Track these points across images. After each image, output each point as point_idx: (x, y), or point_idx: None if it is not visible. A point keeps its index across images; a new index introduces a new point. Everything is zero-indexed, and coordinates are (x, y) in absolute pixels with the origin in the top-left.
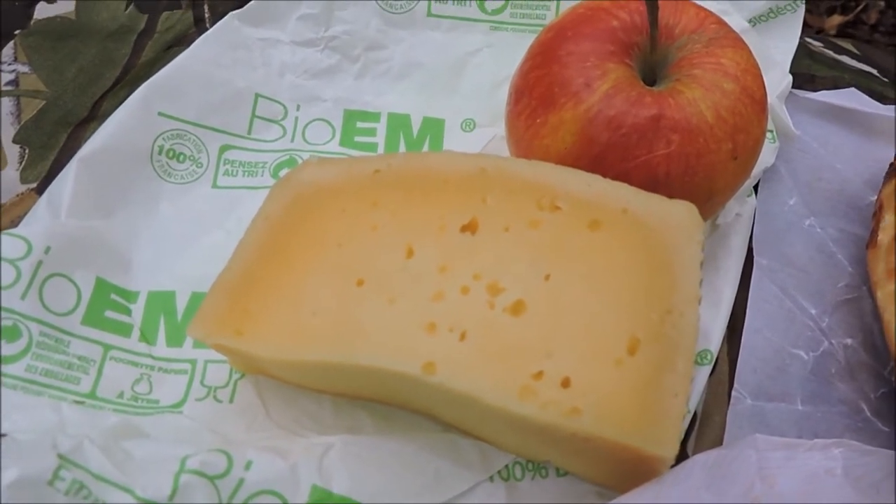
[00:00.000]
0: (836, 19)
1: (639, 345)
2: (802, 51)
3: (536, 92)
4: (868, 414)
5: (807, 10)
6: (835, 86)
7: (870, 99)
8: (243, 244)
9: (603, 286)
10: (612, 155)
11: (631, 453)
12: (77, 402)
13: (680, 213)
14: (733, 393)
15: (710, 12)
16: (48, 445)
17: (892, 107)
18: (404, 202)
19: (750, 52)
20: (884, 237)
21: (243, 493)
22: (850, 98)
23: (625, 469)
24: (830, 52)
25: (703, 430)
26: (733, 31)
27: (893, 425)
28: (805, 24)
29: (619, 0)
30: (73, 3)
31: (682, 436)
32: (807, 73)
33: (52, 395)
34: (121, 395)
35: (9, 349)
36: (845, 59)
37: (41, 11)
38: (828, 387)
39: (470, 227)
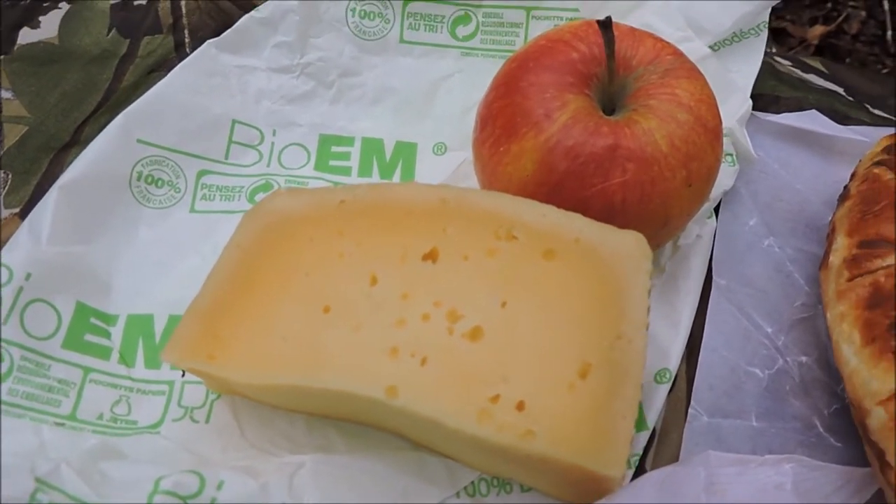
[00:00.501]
0: (819, 29)
1: (590, 369)
2: (769, 71)
3: (500, 121)
4: (821, 430)
5: (790, 21)
6: (799, 107)
7: (830, 121)
8: (215, 271)
9: (556, 313)
10: (570, 183)
11: (583, 473)
12: (58, 424)
13: (629, 244)
14: (690, 410)
15: (667, 43)
16: (27, 469)
17: (852, 128)
18: (369, 231)
19: (705, 81)
20: (835, 259)
21: None
22: (811, 120)
23: (581, 486)
24: (798, 71)
25: (661, 447)
26: (689, 62)
27: (845, 440)
28: (788, 35)
29: (579, 32)
30: (56, 27)
31: (635, 454)
32: (771, 95)
33: (33, 417)
34: (100, 417)
35: None
36: (812, 77)
37: (25, 37)
38: (782, 403)
39: (431, 256)
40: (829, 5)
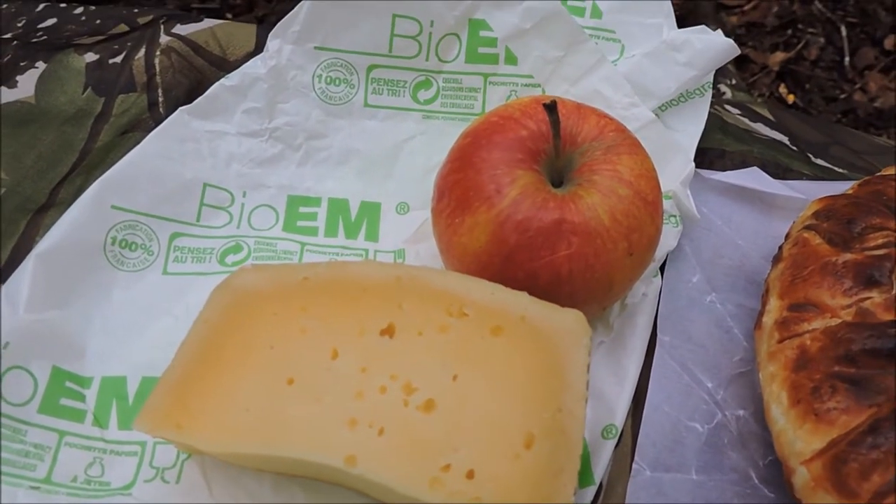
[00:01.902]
0: (779, 56)
1: (534, 440)
2: (716, 124)
3: (455, 194)
4: (756, 481)
5: (751, 47)
6: (743, 161)
7: (770, 178)
8: (185, 345)
9: (503, 386)
10: (520, 255)
11: None
12: (33, 488)
13: (570, 321)
14: (634, 465)
15: (610, 119)
16: None
17: (791, 183)
18: (329, 307)
19: (646, 155)
20: (767, 320)
21: None
22: (753, 177)
23: None
24: (746, 121)
25: (606, 500)
26: (630, 137)
27: (777, 491)
28: (749, 61)
29: (527, 110)
30: (33, 87)
31: None
32: (718, 149)
33: (9, 481)
34: (74, 480)
35: None
36: (759, 126)
37: (2, 96)
38: (720, 456)
39: (388, 331)
40: (790, 32)
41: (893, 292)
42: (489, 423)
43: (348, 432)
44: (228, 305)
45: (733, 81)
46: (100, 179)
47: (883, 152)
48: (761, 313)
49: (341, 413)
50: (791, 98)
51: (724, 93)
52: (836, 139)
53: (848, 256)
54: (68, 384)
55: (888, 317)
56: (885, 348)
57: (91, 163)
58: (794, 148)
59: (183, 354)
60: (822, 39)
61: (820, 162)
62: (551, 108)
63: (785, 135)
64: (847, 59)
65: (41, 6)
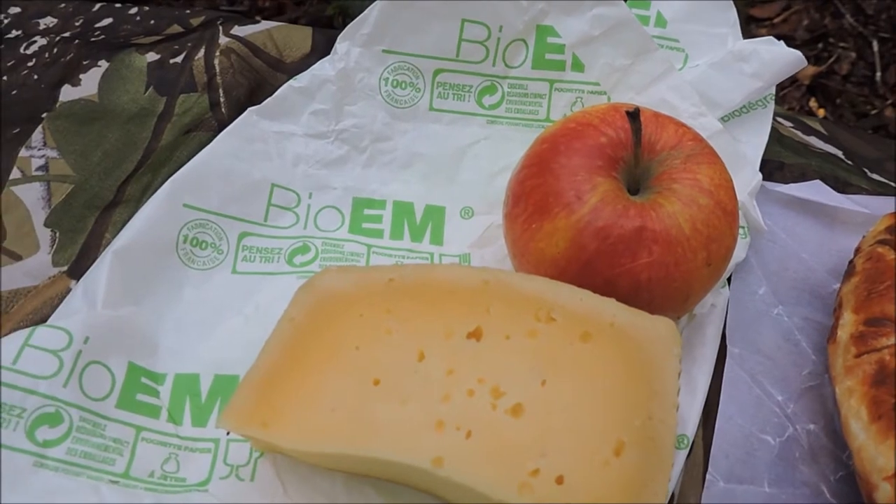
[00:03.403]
0: (810, 70)
1: (624, 447)
2: (773, 136)
3: (532, 199)
4: (828, 496)
5: None
6: (802, 173)
7: (832, 191)
8: (269, 344)
9: (592, 393)
10: (600, 262)
11: None
12: (112, 482)
13: (661, 329)
14: (707, 476)
15: (689, 128)
16: None
17: (853, 197)
18: (415, 310)
19: (723, 166)
20: (843, 334)
21: None
22: (815, 190)
23: None
24: (800, 133)
25: None
26: (708, 147)
27: None
28: None
29: (606, 117)
30: (97, 85)
31: None
32: (776, 161)
33: (91, 475)
34: (151, 475)
35: (51, 434)
36: (813, 139)
37: (66, 94)
38: (792, 470)
39: (475, 335)
40: (821, 46)
41: None
42: (578, 429)
43: (435, 434)
44: (313, 306)
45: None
46: (172, 178)
47: None
48: (835, 327)
49: (428, 415)
50: (821, 112)
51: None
52: (889, 155)
53: None
54: (143, 380)
55: None
56: None
57: (156, 161)
58: (850, 162)
59: (268, 353)
60: (853, 54)
61: (876, 177)
62: (634, 115)
63: (839, 149)
64: (879, 74)
65: (97, 6)
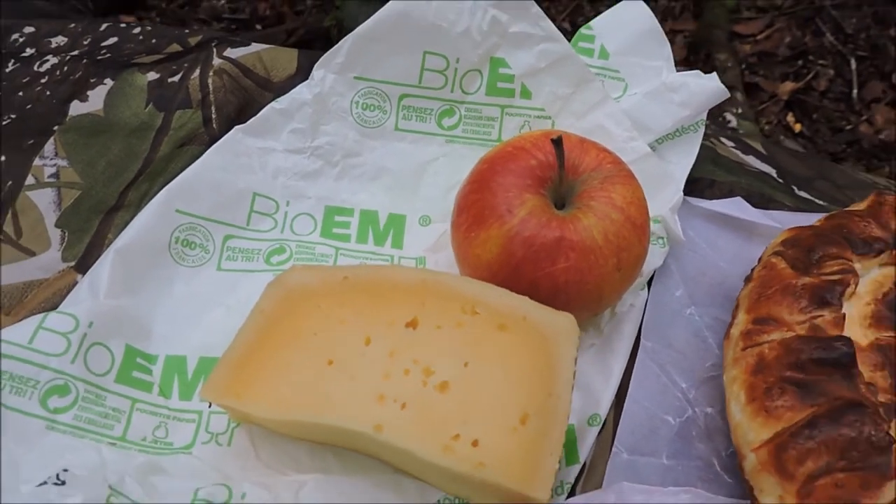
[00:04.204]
0: (789, 86)
1: (528, 418)
2: (709, 156)
3: (472, 211)
4: (718, 469)
5: (762, 76)
6: (730, 191)
7: (752, 208)
8: (242, 330)
9: (505, 373)
10: (526, 266)
11: (519, 496)
12: (111, 444)
13: (563, 323)
14: (613, 448)
15: (609, 152)
16: (101, 478)
17: (771, 213)
18: (364, 303)
19: (637, 185)
20: (735, 331)
21: None
22: (736, 207)
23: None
24: (738, 153)
25: (589, 477)
26: (625, 169)
27: (736, 478)
28: (759, 89)
29: (537, 142)
30: (102, 101)
31: (568, 482)
32: (708, 179)
33: (93, 438)
34: (144, 439)
35: (61, 402)
36: (751, 158)
37: (74, 109)
38: (689, 446)
39: (412, 324)
40: (801, 63)
41: (842, 312)
42: (492, 402)
43: (377, 406)
44: (280, 298)
45: (740, 111)
46: (167, 187)
47: (864, 187)
48: (730, 325)
49: (371, 390)
50: (798, 127)
51: (729, 121)
52: (822, 174)
53: (806, 280)
54: (139, 360)
55: (835, 332)
56: (829, 358)
57: (154, 171)
58: (781, 180)
59: (241, 337)
60: (831, 71)
61: (803, 194)
62: (557, 142)
63: (773, 167)
64: (855, 91)
65: (104, 26)
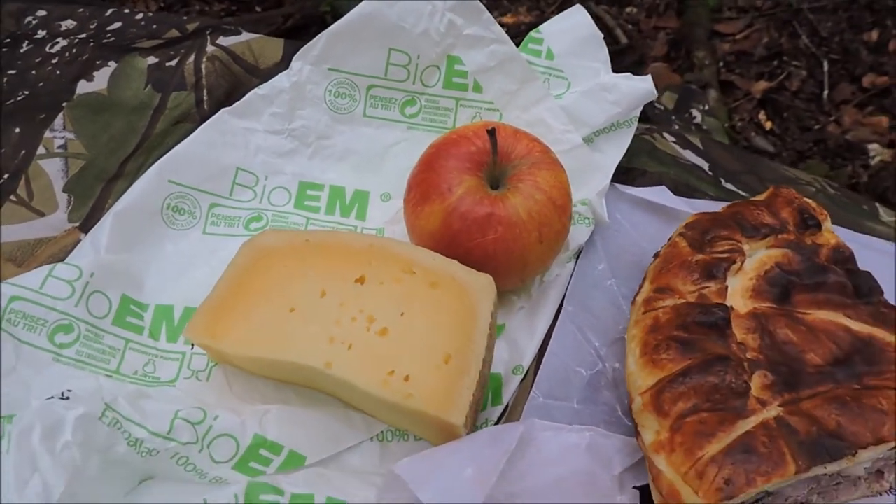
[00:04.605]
0: (762, 85)
1: (450, 358)
2: (645, 148)
3: (420, 189)
4: (619, 413)
5: (738, 74)
6: (659, 181)
7: (672, 195)
8: (220, 281)
9: (434, 322)
10: (461, 236)
11: (441, 422)
12: (107, 376)
13: (483, 283)
14: (531, 393)
15: (539, 142)
16: (98, 398)
17: (688, 200)
18: (321, 261)
19: (561, 171)
20: (639, 298)
21: (211, 434)
22: (659, 194)
23: (441, 432)
24: (677, 147)
25: (510, 417)
26: (551, 157)
27: (633, 421)
28: (735, 87)
29: (478, 132)
30: (106, 81)
31: (492, 420)
32: (641, 169)
33: (92, 370)
34: (135, 373)
35: (65, 339)
36: (688, 153)
37: (81, 87)
38: (597, 394)
39: (360, 280)
40: (776, 63)
41: (725, 284)
42: (422, 345)
43: (328, 346)
44: (252, 256)
45: (706, 107)
46: (161, 160)
47: (786, 182)
48: (637, 293)
49: (324, 333)
50: (769, 125)
51: (695, 117)
52: (751, 169)
53: (700, 257)
54: (132, 307)
55: (718, 301)
56: (707, 321)
57: (150, 145)
58: (710, 173)
59: (218, 289)
60: (804, 72)
61: (729, 186)
62: (492, 133)
63: (707, 161)
64: (826, 92)
65: (109, 11)
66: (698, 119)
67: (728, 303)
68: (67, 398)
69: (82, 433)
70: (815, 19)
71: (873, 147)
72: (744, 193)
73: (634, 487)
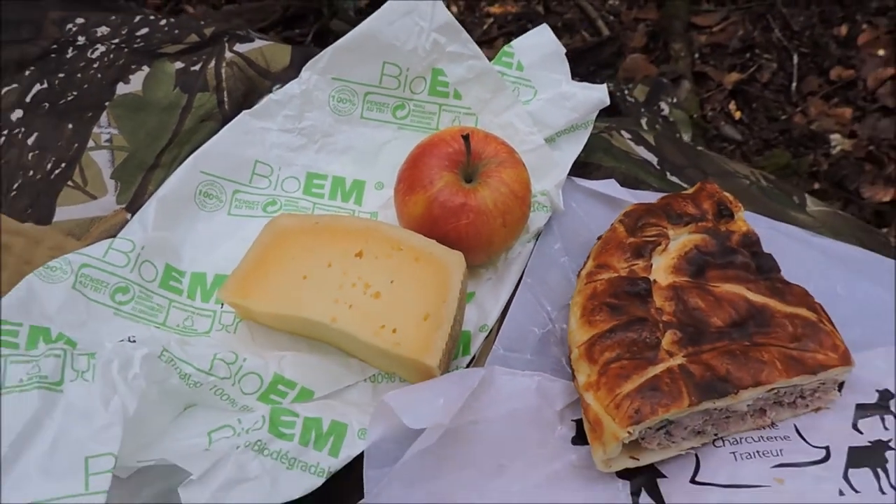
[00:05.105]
0: (734, 77)
1: (428, 316)
2: (602, 145)
3: (407, 182)
4: (564, 363)
5: (712, 66)
6: (611, 174)
7: (620, 187)
8: (247, 254)
9: (417, 289)
10: (441, 221)
11: (421, 365)
12: (157, 327)
13: (455, 258)
14: (494, 347)
15: (506, 145)
16: (156, 342)
17: (632, 191)
18: (328, 239)
19: (522, 169)
20: (583, 272)
21: (241, 372)
22: (608, 186)
23: (420, 373)
24: (631, 144)
25: (476, 364)
26: (515, 157)
27: (571, 368)
28: (708, 78)
29: (456, 136)
30: (141, 84)
31: (462, 368)
32: (596, 164)
33: (145, 322)
34: (178, 326)
35: (123, 298)
36: (641, 149)
37: (120, 89)
38: (547, 347)
39: (359, 255)
40: (748, 55)
41: (650, 262)
42: (407, 306)
43: (333, 305)
44: (273, 234)
45: (674, 100)
46: (194, 154)
47: (724, 175)
48: (581, 268)
49: (330, 296)
50: (738, 115)
51: (662, 109)
52: (695, 163)
53: (632, 239)
54: (173, 274)
55: (643, 275)
56: (633, 291)
57: (181, 140)
58: (658, 167)
59: (245, 260)
60: (775, 65)
61: (674, 179)
62: (466, 138)
63: (657, 156)
64: (794, 84)
65: (137, 18)
66: (666, 111)
67: (652, 277)
68: (133, 341)
69: (146, 368)
70: (789, 13)
71: (835, 137)
72: (685, 185)
73: (572, 420)
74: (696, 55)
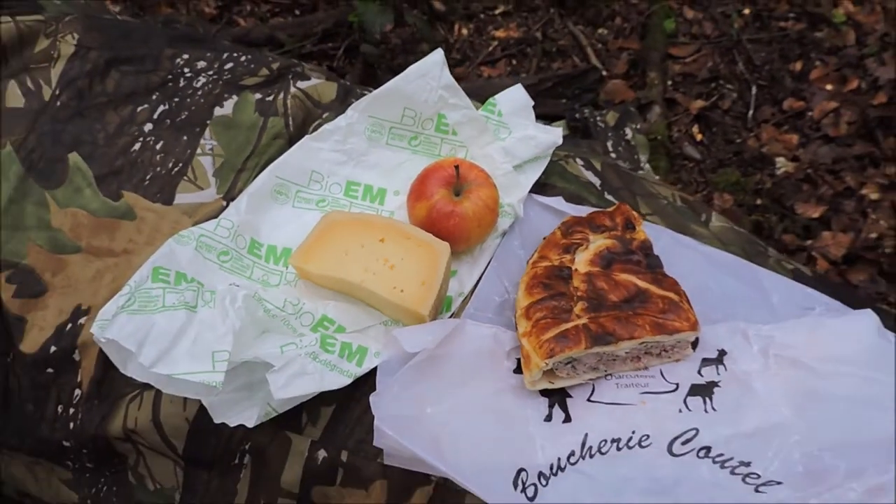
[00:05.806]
0: (698, 103)
1: (424, 282)
2: (557, 170)
3: (416, 193)
4: (513, 321)
5: (682, 93)
6: (561, 193)
7: (567, 203)
8: (308, 236)
9: (419, 265)
10: (437, 223)
11: (418, 315)
12: (246, 279)
13: (444, 247)
14: (466, 307)
15: (483, 172)
16: (250, 287)
17: (575, 206)
18: (363, 229)
19: (494, 189)
20: (530, 261)
21: (300, 311)
22: (557, 202)
23: (418, 321)
24: (582, 169)
25: (454, 317)
26: (489, 180)
27: (515, 323)
28: (677, 104)
29: (451, 164)
30: (231, 108)
31: (436, 314)
32: (552, 184)
33: (238, 275)
34: (259, 279)
35: (225, 259)
36: (589, 174)
37: (216, 112)
38: (502, 310)
39: (382, 240)
40: (713, 85)
41: (574, 256)
42: (411, 275)
43: (364, 272)
44: (326, 224)
45: (637, 126)
46: (272, 164)
47: (650, 196)
48: (530, 259)
49: (362, 265)
50: (700, 137)
51: (626, 134)
52: (628, 187)
53: (564, 241)
54: (255, 245)
55: (568, 265)
56: (560, 275)
57: (259, 151)
58: (599, 188)
59: (307, 239)
60: (735, 94)
61: (609, 198)
62: (457, 167)
63: (599, 180)
64: (751, 112)
65: (225, 55)
66: (629, 136)
67: (574, 267)
68: (238, 286)
69: (245, 303)
70: (752, 49)
71: (780, 160)
72: (616, 203)
73: (515, 358)
74: (670, 83)
